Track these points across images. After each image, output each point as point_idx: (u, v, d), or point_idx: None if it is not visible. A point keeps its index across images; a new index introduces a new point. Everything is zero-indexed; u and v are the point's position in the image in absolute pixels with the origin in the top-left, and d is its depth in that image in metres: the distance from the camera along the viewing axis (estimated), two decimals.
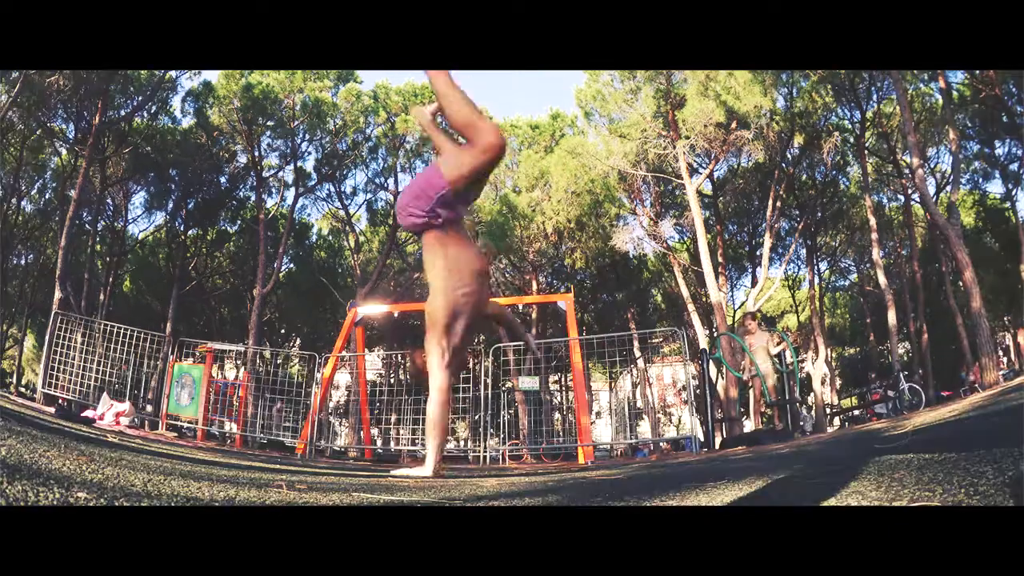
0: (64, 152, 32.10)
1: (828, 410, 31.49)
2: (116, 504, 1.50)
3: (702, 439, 15.08)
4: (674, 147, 26.89)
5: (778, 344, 13.63)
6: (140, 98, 29.92)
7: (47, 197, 35.55)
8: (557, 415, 40.79)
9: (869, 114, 29.04)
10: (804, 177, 32.18)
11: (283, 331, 45.68)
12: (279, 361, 39.90)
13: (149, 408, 19.15)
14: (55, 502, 1.39)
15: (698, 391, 17.22)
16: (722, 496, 2.12)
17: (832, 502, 1.75)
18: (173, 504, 1.65)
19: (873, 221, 28.57)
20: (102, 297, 32.60)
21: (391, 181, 35.83)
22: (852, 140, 29.91)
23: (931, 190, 28.26)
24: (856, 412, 30.42)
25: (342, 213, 36.84)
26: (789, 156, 29.76)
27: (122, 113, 29.72)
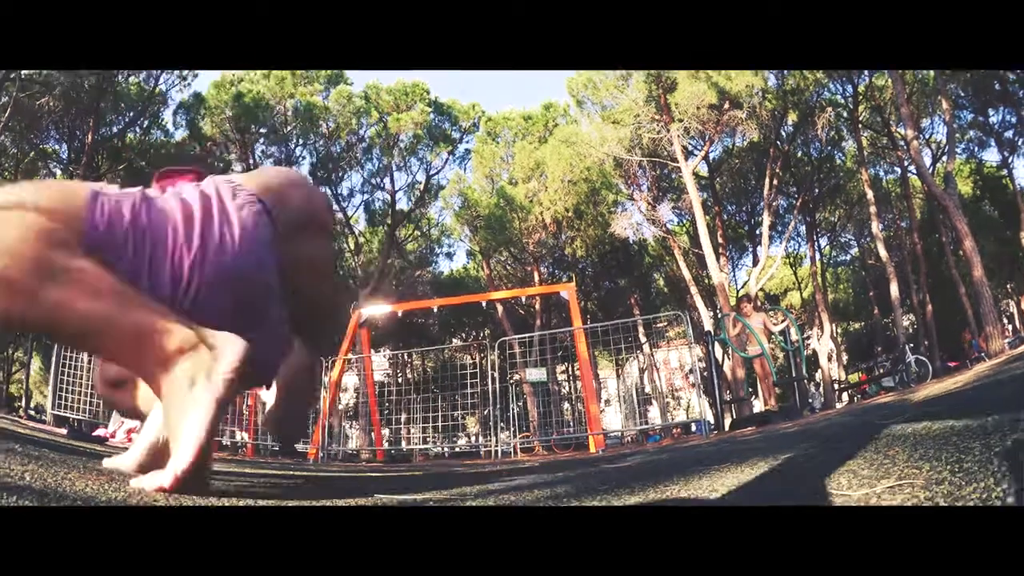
0: (59, 173, 32.14)
1: (836, 386, 31.49)
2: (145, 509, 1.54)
3: (712, 421, 15.11)
4: (668, 131, 26.93)
5: (781, 322, 13.66)
6: (132, 113, 29.89)
7: None
8: (566, 405, 40.80)
9: (861, 88, 29.05)
10: (800, 154, 32.15)
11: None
12: None
13: None
14: None
15: (705, 373, 17.26)
16: (723, 479, 2.15)
17: (824, 482, 1.78)
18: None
19: (871, 194, 28.61)
20: None
21: (387, 180, 35.94)
22: (845, 115, 29.93)
23: (927, 161, 28.29)
24: (864, 387, 30.49)
25: (340, 215, 36.85)
26: (783, 134, 29.78)
27: (114, 130, 29.71)
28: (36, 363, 44.94)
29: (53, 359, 14.97)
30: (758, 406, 21.21)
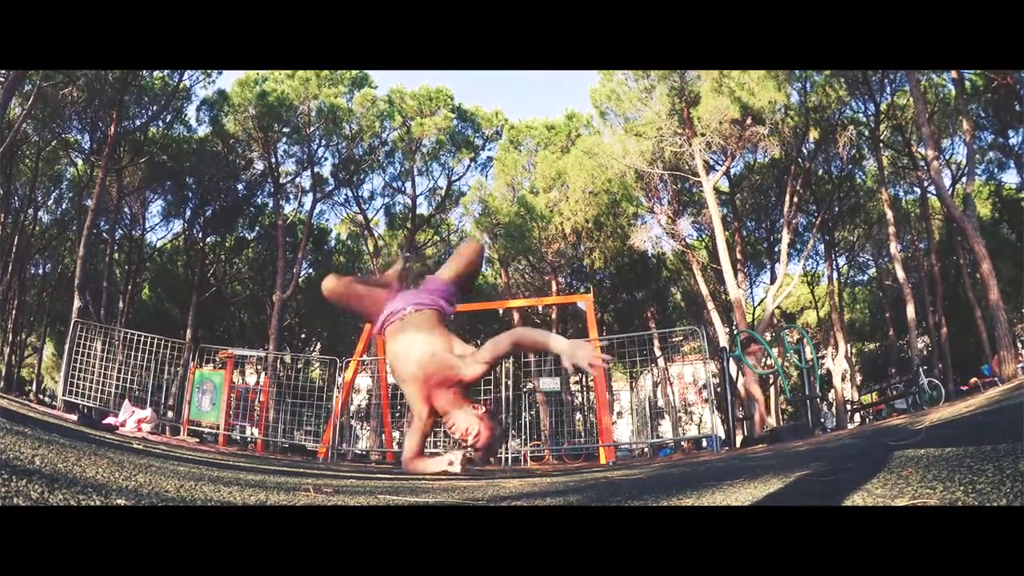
0: (80, 162, 32.32)
1: (848, 406, 31.32)
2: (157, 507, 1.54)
3: (723, 437, 15.04)
4: (690, 145, 26.88)
5: (796, 340, 13.62)
6: (155, 108, 29.93)
7: (64, 207, 35.83)
8: (578, 415, 40.68)
9: (883, 106, 28.93)
10: (820, 172, 32.03)
11: (303, 336, 45.79)
12: (299, 366, 40.08)
13: (170, 414, 19.23)
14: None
15: (719, 389, 17.20)
16: (736, 494, 2.13)
17: (838, 500, 1.76)
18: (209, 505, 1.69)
19: (890, 214, 28.44)
20: (121, 305, 32.78)
21: (408, 184, 36.01)
22: (867, 133, 29.81)
23: (947, 182, 28.15)
24: (878, 408, 30.31)
25: (360, 218, 36.83)
26: (805, 151, 29.66)
27: (137, 123, 29.75)
28: (49, 348, 45.20)
29: (67, 346, 15.06)
30: (770, 423, 21.14)
